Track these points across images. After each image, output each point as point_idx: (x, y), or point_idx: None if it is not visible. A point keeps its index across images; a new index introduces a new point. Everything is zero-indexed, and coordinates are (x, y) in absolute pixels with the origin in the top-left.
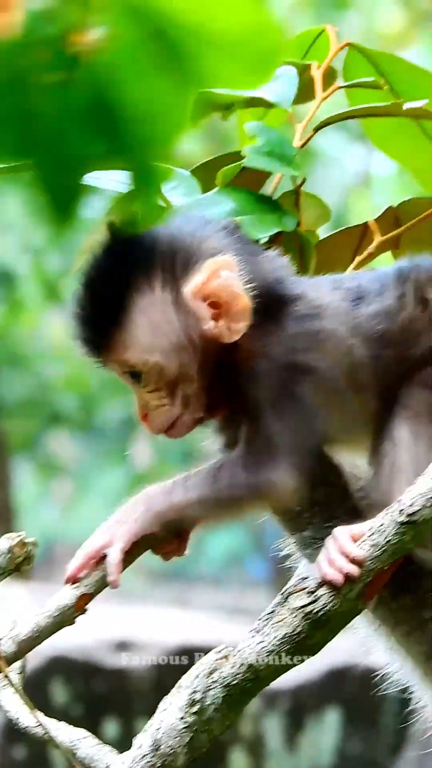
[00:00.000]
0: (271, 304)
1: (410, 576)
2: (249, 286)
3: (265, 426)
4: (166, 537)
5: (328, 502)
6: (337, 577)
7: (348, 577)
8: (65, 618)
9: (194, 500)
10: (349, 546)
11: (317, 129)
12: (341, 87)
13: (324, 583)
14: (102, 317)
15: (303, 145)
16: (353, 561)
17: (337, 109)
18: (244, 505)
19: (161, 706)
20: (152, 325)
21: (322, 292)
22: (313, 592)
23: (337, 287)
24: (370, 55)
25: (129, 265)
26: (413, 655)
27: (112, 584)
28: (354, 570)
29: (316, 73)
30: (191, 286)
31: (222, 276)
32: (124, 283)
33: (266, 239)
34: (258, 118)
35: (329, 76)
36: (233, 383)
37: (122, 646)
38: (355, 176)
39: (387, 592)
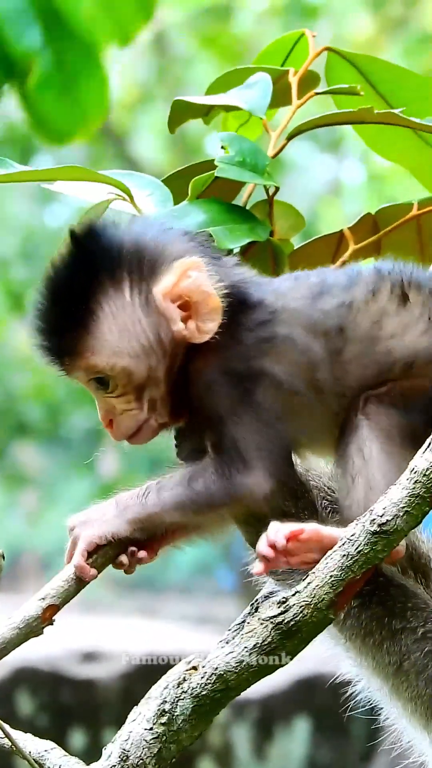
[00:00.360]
0: (230, 310)
1: (380, 587)
2: (218, 286)
3: (229, 433)
4: (128, 545)
5: (295, 514)
6: (269, 553)
7: (280, 551)
8: (32, 629)
9: (169, 506)
10: (284, 531)
11: (290, 137)
12: (317, 94)
13: (259, 557)
14: (67, 322)
15: (276, 155)
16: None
17: (313, 116)
18: (220, 510)
19: (130, 716)
20: (120, 328)
21: (282, 293)
22: (284, 602)
23: (300, 283)
24: (351, 58)
25: (94, 268)
26: (383, 667)
27: (80, 571)
28: (283, 543)
29: (293, 79)
30: (161, 286)
31: (192, 276)
32: (89, 286)
33: (238, 250)
34: (240, 124)
35: (310, 81)
36: (192, 390)
37: (89, 656)
38: (326, 185)
39: (357, 603)
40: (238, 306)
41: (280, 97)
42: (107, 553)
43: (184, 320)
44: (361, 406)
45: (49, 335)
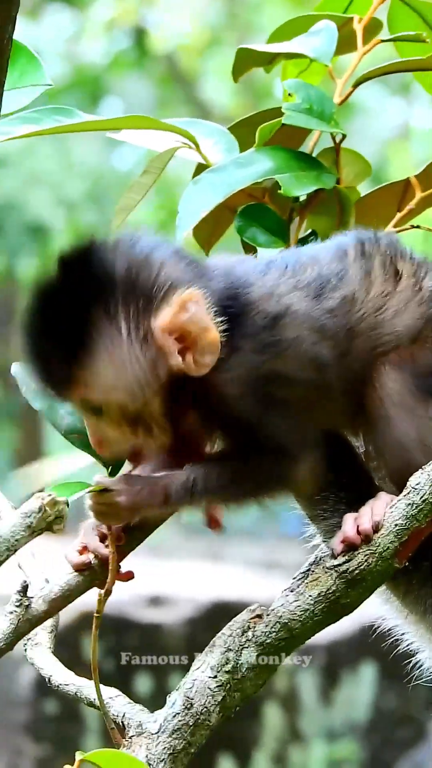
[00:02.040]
0: (230, 324)
1: None
2: (217, 319)
3: (266, 435)
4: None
5: (349, 484)
6: (355, 537)
7: (366, 537)
8: (96, 576)
9: (216, 494)
10: (378, 511)
11: (356, 85)
12: (382, 41)
13: (343, 541)
14: (60, 355)
15: (343, 102)
16: (374, 525)
17: (380, 62)
18: (271, 497)
19: (194, 664)
20: (116, 363)
21: (280, 294)
22: (348, 551)
23: (297, 286)
24: (415, 6)
25: (87, 299)
26: None
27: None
28: (370, 531)
29: (357, 27)
30: (160, 321)
31: (191, 310)
32: (82, 319)
33: (305, 197)
34: (300, 71)
35: (373, 28)
36: (206, 407)
37: (155, 601)
38: (395, 129)
39: (418, 579)
40: (238, 317)
41: (344, 44)
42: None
43: (182, 353)
44: (374, 376)
45: (42, 366)
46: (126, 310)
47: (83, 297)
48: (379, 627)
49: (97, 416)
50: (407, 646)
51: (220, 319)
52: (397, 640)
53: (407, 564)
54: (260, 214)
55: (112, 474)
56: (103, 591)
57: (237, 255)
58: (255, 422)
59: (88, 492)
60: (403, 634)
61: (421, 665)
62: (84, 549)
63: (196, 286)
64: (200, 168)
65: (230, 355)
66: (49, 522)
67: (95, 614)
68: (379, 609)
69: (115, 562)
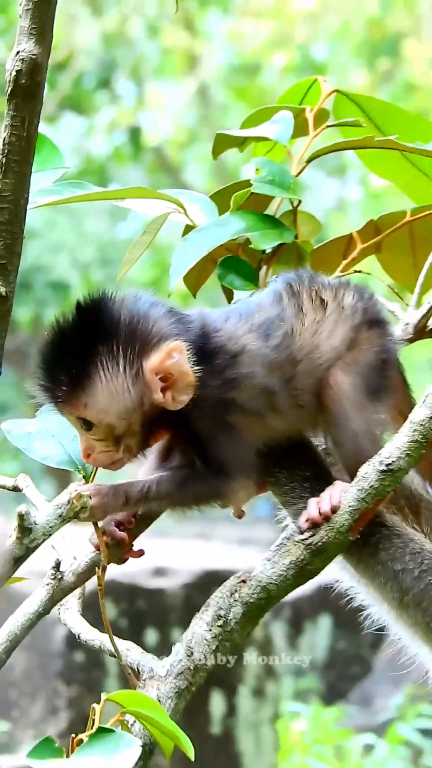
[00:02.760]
0: (201, 362)
1: (384, 537)
2: (195, 368)
3: (213, 451)
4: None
5: (312, 477)
6: (318, 517)
7: (326, 517)
8: (114, 553)
9: (164, 498)
10: (335, 496)
11: (309, 160)
12: (329, 126)
13: (308, 520)
14: (69, 378)
15: (298, 174)
16: (332, 507)
17: (328, 143)
18: (203, 505)
19: (193, 621)
20: (111, 392)
21: (237, 338)
22: (311, 528)
23: (250, 329)
24: (354, 98)
25: (96, 338)
26: (388, 601)
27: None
28: (329, 512)
29: (309, 116)
30: (151, 363)
31: (175, 357)
32: (91, 353)
33: (270, 249)
34: (267, 151)
35: (321, 117)
36: (176, 426)
37: (158, 571)
38: (332, 202)
39: (367, 552)
40: (206, 355)
41: (298, 129)
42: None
43: (163, 391)
44: (330, 379)
45: (52, 384)
46: (125, 351)
47: (92, 336)
48: (334, 587)
49: (88, 431)
50: (358, 602)
51: (197, 367)
52: (349, 597)
53: (359, 538)
54: (236, 264)
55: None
56: (100, 569)
57: (206, 308)
58: (208, 441)
59: (69, 497)
60: (355, 593)
61: (368, 616)
62: (102, 533)
63: (181, 338)
64: (188, 228)
65: (199, 387)
66: (76, 512)
67: (98, 587)
68: (336, 574)
69: (106, 548)
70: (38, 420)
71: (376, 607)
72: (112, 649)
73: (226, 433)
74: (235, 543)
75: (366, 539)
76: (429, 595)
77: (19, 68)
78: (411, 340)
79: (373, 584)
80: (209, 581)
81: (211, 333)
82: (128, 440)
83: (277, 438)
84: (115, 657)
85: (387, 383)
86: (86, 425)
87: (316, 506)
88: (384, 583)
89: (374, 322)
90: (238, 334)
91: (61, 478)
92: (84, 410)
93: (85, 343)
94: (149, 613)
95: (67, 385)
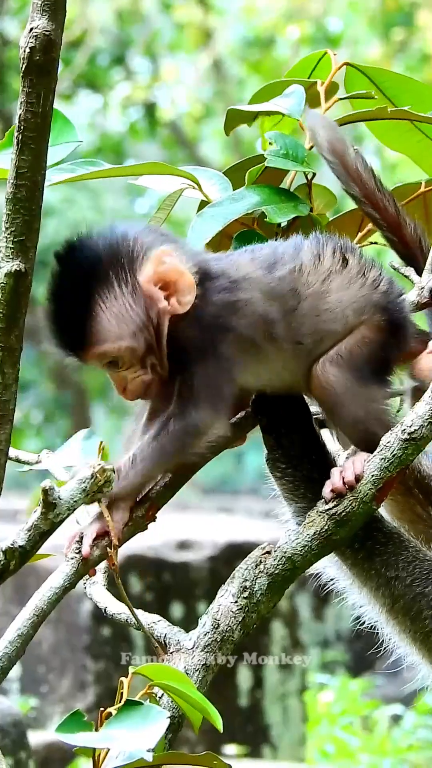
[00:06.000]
0: (199, 282)
1: (379, 543)
2: (187, 265)
3: (191, 377)
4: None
5: (317, 479)
6: (342, 487)
7: (350, 486)
8: (138, 525)
9: (149, 469)
10: (358, 466)
11: None
12: (340, 99)
13: (332, 490)
14: (74, 325)
15: (311, 147)
16: (356, 477)
17: (337, 117)
18: (187, 448)
19: (219, 593)
20: (117, 317)
21: (240, 266)
22: (336, 498)
23: (253, 258)
24: (365, 70)
25: (85, 274)
26: (380, 606)
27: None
28: (353, 481)
29: (320, 89)
30: (143, 275)
31: (166, 261)
32: (85, 290)
33: (285, 223)
34: (274, 124)
35: (332, 90)
36: (175, 345)
37: (183, 545)
38: None
39: (362, 556)
40: (205, 277)
41: (309, 103)
42: None
43: (166, 298)
44: (319, 375)
45: (63, 337)
46: (115, 274)
47: (81, 276)
48: None
49: (115, 368)
50: (352, 601)
51: (192, 265)
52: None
53: (355, 540)
54: (252, 237)
55: None
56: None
57: None
58: (191, 361)
59: (93, 471)
60: (349, 592)
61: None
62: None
63: (168, 245)
64: (203, 204)
65: (197, 307)
66: (100, 486)
67: (111, 566)
68: (333, 572)
69: (114, 528)
70: None
71: (368, 608)
72: (139, 623)
73: (211, 360)
74: (259, 516)
75: (362, 543)
76: (419, 603)
77: (33, 45)
78: (426, 305)
79: (366, 587)
80: (234, 554)
81: (211, 260)
82: (152, 359)
83: (265, 382)
84: (142, 630)
85: (385, 374)
86: (113, 364)
87: (339, 476)
88: (376, 588)
89: (392, 318)
90: (241, 262)
91: None
92: (103, 346)
93: (77, 285)
94: (175, 587)
95: (79, 332)
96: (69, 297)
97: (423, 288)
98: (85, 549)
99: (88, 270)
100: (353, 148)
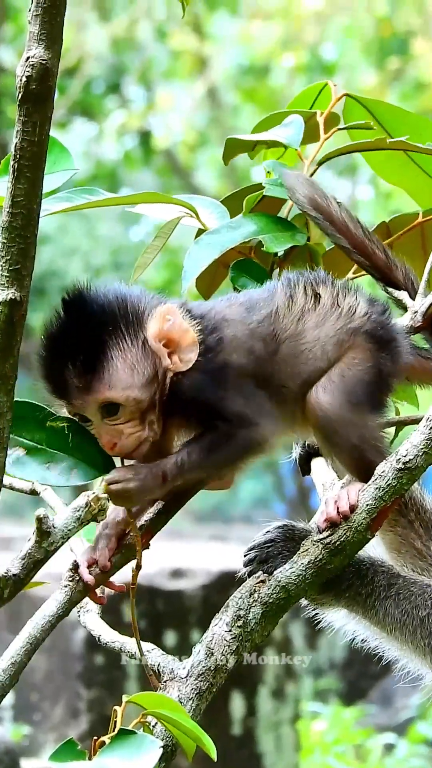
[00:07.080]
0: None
1: (363, 577)
2: (192, 323)
3: (225, 410)
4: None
5: None
6: (336, 517)
7: (344, 516)
8: (132, 553)
9: (202, 466)
10: (353, 495)
11: (320, 163)
12: (339, 129)
13: (326, 520)
14: (84, 366)
15: (310, 176)
16: (351, 507)
17: (338, 146)
18: (245, 460)
19: (213, 622)
20: (130, 365)
21: (218, 310)
22: (330, 527)
23: (230, 304)
24: (363, 102)
25: (93, 324)
26: (392, 644)
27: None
28: (347, 511)
29: (320, 119)
30: (150, 331)
31: (170, 320)
32: (97, 336)
33: (282, 252)
34: (278, 157)
35: (332, 120)
36: (181, 398)
37: (176, 573)
38: (344, 202)
39: (372, 600)
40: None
41: (309, 133)
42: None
43: (170, 356)
44: (311, 403)
45: (66, 378)
46: (126, 327)
47: (92, 323)
48: None
49: (112, 419)
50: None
51: (194, 323)
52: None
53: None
54: (248, 267)
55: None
56: (135, 567)
57: None
58: (214, 402)
59: (87, 500)
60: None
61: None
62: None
63: (172, 303)
64: (200, 232)
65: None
66: (94, 514)
67: (131, 586)
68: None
69: (141, 544)
70: None
71: (359, 628)
72: (132, 651)
73: (231, 389)
74: None
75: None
76: (408, 629)
77: (29, 74)
78: (419, 328)
79: (376, 627)
80: (227, 582)
81: (194, 307)
82: (151, 415)
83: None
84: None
85: (381, 396)
86: (110, 411)
87: (334, 505)
88: (389, 632)
89: (376, 336)
90: (219, 308)
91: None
92: (109, 391)
93: (88, 331)
94: (168, 615)
95: (86, 373)
96: (79, 340)
97: (416, 312)
98: (87, 576)
99: (100, 319)
100: (335, 200)
